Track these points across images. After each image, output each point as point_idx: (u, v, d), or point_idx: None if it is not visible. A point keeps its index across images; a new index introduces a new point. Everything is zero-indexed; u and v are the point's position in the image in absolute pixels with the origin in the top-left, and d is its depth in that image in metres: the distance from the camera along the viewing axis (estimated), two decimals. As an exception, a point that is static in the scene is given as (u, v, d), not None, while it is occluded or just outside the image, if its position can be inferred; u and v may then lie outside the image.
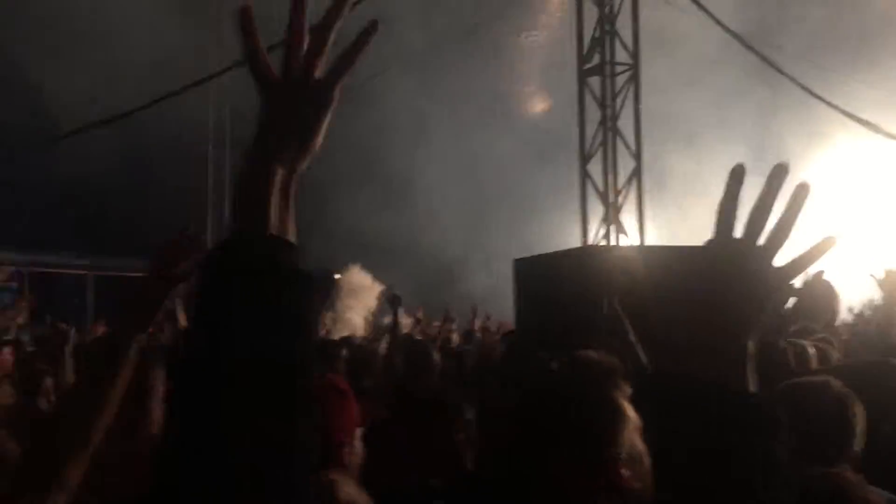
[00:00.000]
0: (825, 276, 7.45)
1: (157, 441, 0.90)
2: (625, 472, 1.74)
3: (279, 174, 0.94)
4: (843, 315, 7.72)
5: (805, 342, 5.08)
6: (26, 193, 16.57)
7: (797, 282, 5.78)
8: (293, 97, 0.96)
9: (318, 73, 0.96)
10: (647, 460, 1.87)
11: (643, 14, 10.61)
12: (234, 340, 0.85)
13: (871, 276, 5.86)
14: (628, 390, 2.03)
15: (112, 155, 15.62)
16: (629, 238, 9.91)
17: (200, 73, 14.92)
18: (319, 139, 0.98)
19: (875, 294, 6.73)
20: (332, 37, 0.97)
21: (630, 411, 1.90)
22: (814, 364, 4.61)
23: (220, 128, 20.53)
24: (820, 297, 7.42)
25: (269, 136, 0.95)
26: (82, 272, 19.62)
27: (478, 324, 10.07)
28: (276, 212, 0.92)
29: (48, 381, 4.58)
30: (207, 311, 0.89)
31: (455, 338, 9.56)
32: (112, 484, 2.08)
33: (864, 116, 12.78)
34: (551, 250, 10.43)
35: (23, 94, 15.24)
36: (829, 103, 11.72)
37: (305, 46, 0.96)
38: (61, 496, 1.97)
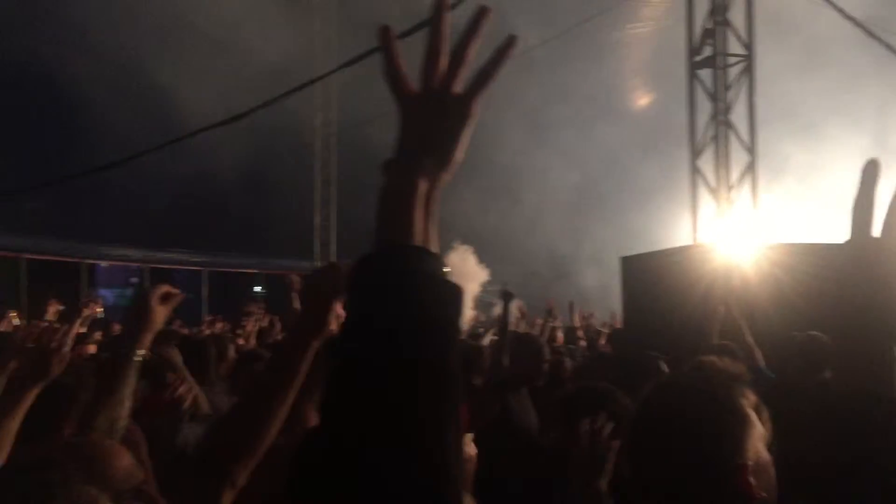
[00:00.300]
0: None
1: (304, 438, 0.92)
2: (752, 480, 1.68)
3: (422, 186, 0.96)
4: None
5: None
6: (148, 193, 17.41)
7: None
8: (433, 111, 0.98)
9: (458, 87, 0.99)
10: (772, 469, 1.81)
11: (757, 2, 10.23)
12: (383, 349, 0.87)
13: None
14: (753, 398, 1.95)
15: (227, 156, 16.25)
16: (742, 235, 9.56)
17: (309, 75, 15.30)
18: (461, 152, 1.00)
19: None
20: (472, 53, 0.99)
21: (755, 419, 1.83)
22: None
23: (328, 128, 21.08)
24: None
25: (412, 149, 0.98)
26: (197, 268, 20.47)
27: (577, 321, 9.93)
28: (420, 223, 0.95)
29: (170, 375, 4.81)
30: (358, 320, 0.92)
31: (559, 336, 9.46)
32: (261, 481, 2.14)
33: None
34: (660, 247, 10.22)
35: (145, 95, 16.00)
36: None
37: (445, 61, 0.98)
38: (230, 494, 2.04)
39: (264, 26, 16.02)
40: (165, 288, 2.64)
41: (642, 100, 20.26)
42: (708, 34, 10.06)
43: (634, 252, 9.69)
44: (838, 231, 1.69)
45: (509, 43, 0.99)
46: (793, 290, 7.19)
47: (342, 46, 16.20)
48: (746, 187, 9.84)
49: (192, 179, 17.36)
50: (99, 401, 2.52)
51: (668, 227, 14.24)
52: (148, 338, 2.55)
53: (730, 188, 9.78)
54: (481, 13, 0.99)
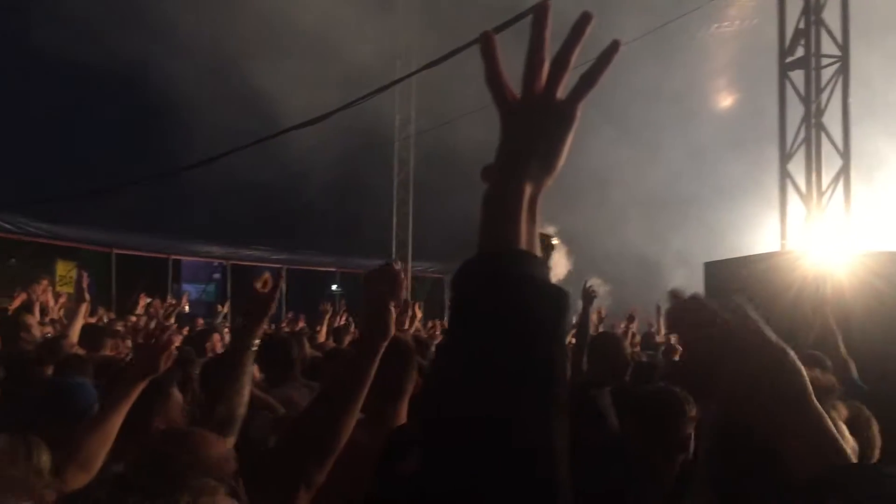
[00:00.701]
0: None
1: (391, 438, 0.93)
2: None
3: (528, 191, 0.97)
4: None
5: None
6: (232, 192, 17.87)
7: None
8: (535, 117, 0.98)
9: (561, 92, 0.99)
10: None
11: (852, 1, 9.84)
12: (490, 353, 0.87)
13: None
14: (844, 411, 1.89)
15: (310, 156, 16.53)
16: (833, 242, 9.22)
17: (391, 76, 15.44)
18: (563, 157, 1.00)
19: None
20: (574, 58, 0.99)
21: (846, 433, 1.78)
22: None
23: (405, 130, 21.25)
24: None
25: (516, 155, 0.98)
26: (278, 266, 20.96)
27: (662, 326, 9.72)
28: (525, 228, 0.96)
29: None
30: (463, 324, 0.93)
31: (636, 340, 9.29)
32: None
33: None
34: (746, 253, 9.94)
35: (234, 96, 16.41)
36: None
37: (547, 67, 0.98)
38: (307, 495, 2.06)
39: (348, 27, 16.25)
40: (266, 276, 2.74)
41: (731, 99, 19.82)
42: (800, 34, 9.72)
43: (720, 257, 9.45)
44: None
45: (613, 48, 1.00)
46: (891, 300, 6.91)
47: (423, 47, 16.29)
48: (838, 192, 9.47)
49: (276, 179, 17.74)
50: (220, 391, 2.60)
51: (755, 232, 13.86)
52: (261, 328, 2.66)
53: (821, 193, 9.43)
54: (584, 19, 0.99)
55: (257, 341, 2.66)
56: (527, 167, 0.97)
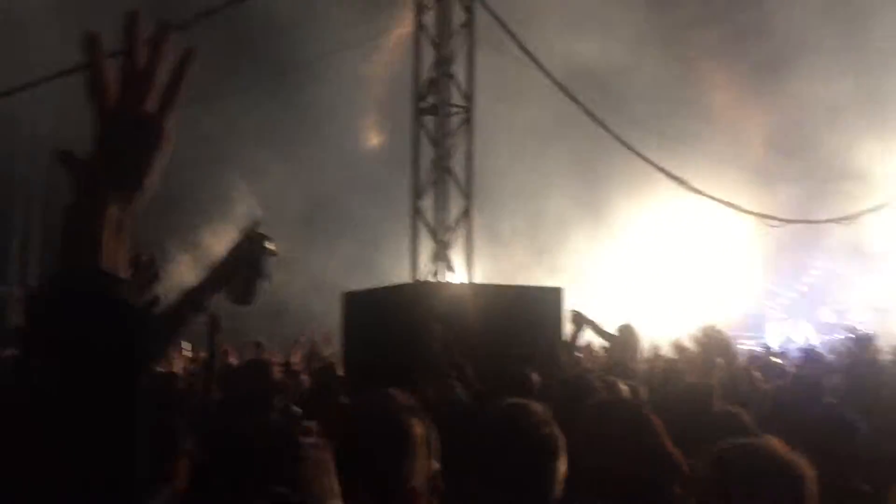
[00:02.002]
0: (631, 324, 8.13)
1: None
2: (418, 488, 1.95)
3: (111, 209, 0.93)
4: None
5: (615, 378, 5.54)
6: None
7: (612, 329, 6.37)
8: (125, 130, 0.95)
9: (150, 106, 0.96)
10: (441, 483, 2.08)
11: (480, 59, 10.95)
12: (65, 373, 0.84)
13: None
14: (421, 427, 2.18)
15: None
16: (457, 275, 10.14)
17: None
18: (154, 176, 0.97)
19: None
20: (161, 74, 0.97)
21: (424, 445, 2.06)
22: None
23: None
24: (627, 341, 8.04)
25: (101, 170, 0.94)
26: None
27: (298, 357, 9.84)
28: (107, 246, 0.91)
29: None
30: (40, 344, 0.89)
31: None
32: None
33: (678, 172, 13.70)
34: (384, 284, 10.50)
35: None
36: (640, 155, 12.56)
37: (139, 78, 0.96)
38: None
39: None
40: None
41: (373, 140, 20.88)
42: (432, 83, 10.62)
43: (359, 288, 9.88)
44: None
45: (188, 57, 0.98)
46: (508, 331, 7.83)
47: None
48: (464, 228, 10.44)
49: None
50: None
51: (392, 264, 14.71)
52: None
53: (448, 229, 10.33)
54: (131, 20, 0.96)
55: None
56: (110, 184, 0.93)
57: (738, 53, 19.80)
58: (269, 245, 2.26)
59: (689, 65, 19.89)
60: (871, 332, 8.93)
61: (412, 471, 1.95)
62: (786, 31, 19.20)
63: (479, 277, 11.12)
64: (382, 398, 2.25)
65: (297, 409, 5.37)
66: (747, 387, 6.70)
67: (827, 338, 17.99)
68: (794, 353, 11.20)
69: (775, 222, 14.55)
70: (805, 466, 2.25)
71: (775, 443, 2.37)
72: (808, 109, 18.99)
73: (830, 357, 7.41)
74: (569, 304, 8.88)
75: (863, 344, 7.80)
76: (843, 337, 10.78)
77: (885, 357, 8.00)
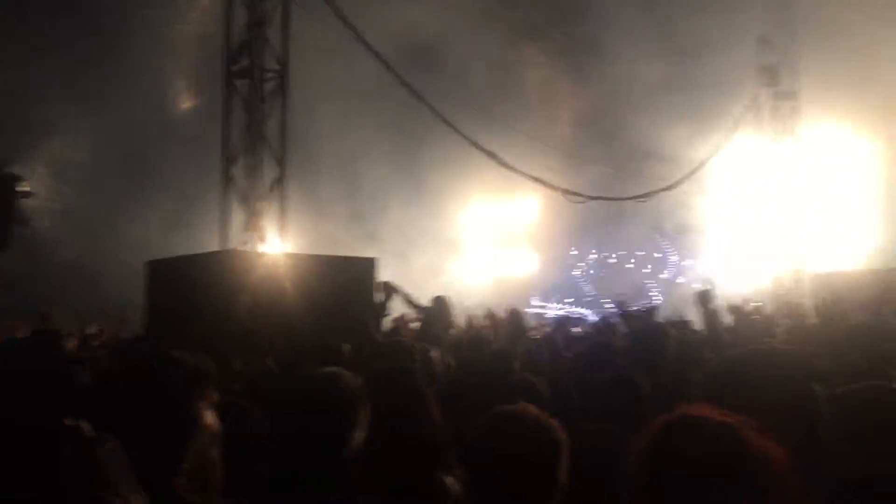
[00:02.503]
0: (444, 295, 8.34)
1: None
2: (181, 481, 1.76)
3: None
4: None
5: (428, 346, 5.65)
6: None
7: (426, 301, 6.52)
8: None
9: None
10: (218, 472, 1.91)
11: (297, 21, 10.61)
12: None
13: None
14: (215, 396, 2.01)
15: None
16: (271, 244, 9.89)
17: None
18: None
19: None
20: None
21: (210, 419, 1.89)
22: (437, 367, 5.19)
23: None
24: (440, 311, 8.22)
25: None
26: None
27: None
28: None
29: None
30: None
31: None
32: None
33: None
34: (190, 253, 10.06)
35: None
36: (454, 126, 12.74)
37: None
38: None
39: None
40: None
41: (184, 103, 19.91)
42: (245, 45, 10.21)
43: (164, 256, 9.40)
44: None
45: None
46: (302, 294, 7.75)
47: None
48: (277, 197, 10.16)
49: None
50: None
51: (200, 232, 14.14)
52: None
53: (260, 198, 10.03)
54: None
55: None
56: None
57: (555, 36, 20.59)
58: (21, 187, 2.05)
59: (508, 43, 20.46)
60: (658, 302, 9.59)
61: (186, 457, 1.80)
62: (600, 15, 20.16)
63: (294, 247, 10.92)
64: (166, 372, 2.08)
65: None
66: (549, 356, 7.04)
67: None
68: (591, 322, 11.89)
69: (579, 199, 15.27)
70: (558, 430, 2.38)
71: (531, 409, 2.45)
72: (619, 93, 20.12)
73: (621, 324, 7.94)
74: (384, 274, 8.92)
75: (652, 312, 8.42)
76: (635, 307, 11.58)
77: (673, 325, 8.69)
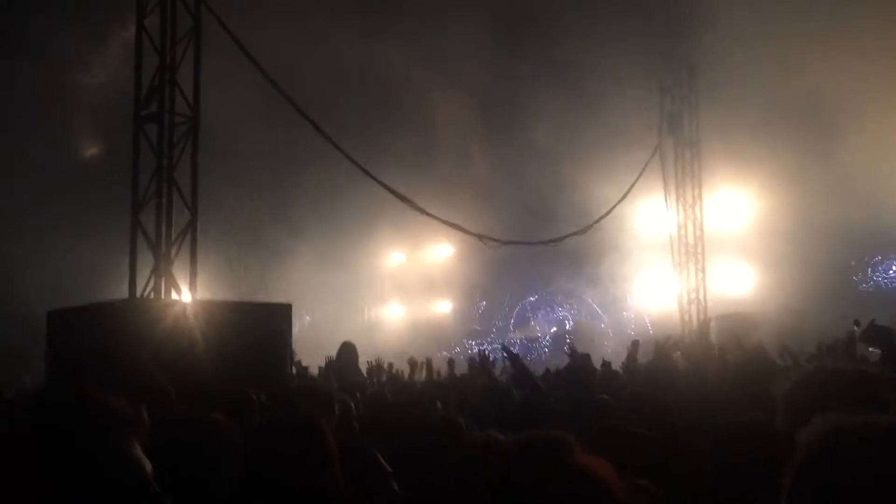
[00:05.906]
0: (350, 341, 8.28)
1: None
2: None
3: None
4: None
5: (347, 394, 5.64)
6: None
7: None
8: None
9: None
10: None
11: (207, 64, 10.50)
12: None
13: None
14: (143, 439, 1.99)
15: None
16: (180, 292, 9.71)
17: None
18: None
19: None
20: None
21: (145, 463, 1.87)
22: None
23: None
24: (349, 357, 8.17)
25: None
26: None
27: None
28: None
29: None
30: None
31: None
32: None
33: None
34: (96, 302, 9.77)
35: None
36: (370, 174, 12.80)
37: None
38: None
39: None
40: None
41: (91, 150, 19.51)
42: (155, 90, 10.08)
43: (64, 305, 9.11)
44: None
45: None
46: (214, 342, 7.63)
47: None
48: (187, 245, 9.97)
49: None
50: None
51: (105, 280, 13.76)
52: None
53: (171, 244, 9.83)
54: None
55: None
56: None
57: (467, 83, 21.01)
58: None
59: (420, 89, 20.78)
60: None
61: None
62: (510, 65, 20.71)
63: (206, 293, 10.71)
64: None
65: None
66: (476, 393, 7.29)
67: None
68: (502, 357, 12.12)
69: (495, 243, 15.52)
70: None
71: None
72: (528, 144, 20.65)
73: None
74: (298, 320, 8.88)
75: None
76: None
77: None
